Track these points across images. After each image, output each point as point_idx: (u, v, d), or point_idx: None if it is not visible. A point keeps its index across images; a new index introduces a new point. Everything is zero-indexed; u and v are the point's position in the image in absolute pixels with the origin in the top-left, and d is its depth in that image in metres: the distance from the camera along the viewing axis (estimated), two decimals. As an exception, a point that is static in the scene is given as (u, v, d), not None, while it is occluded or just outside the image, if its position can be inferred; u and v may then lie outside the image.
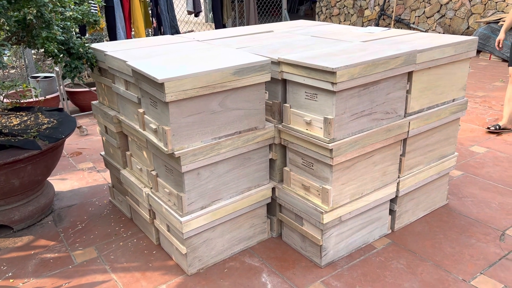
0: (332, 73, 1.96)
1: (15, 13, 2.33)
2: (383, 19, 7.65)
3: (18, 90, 4.13)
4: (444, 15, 6.72)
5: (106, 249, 2.57)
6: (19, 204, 2.74)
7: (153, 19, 5.47)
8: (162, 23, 5.44)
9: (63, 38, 2.45)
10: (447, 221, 2.75)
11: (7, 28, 2.37)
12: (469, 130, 4.23)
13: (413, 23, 7.19)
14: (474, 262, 2.37)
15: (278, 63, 2.23)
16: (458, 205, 2.93)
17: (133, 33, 5.36)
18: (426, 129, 2.52)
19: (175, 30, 5.65)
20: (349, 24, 8.25)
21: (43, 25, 2.31)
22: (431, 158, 2.68)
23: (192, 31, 7.39)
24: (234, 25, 7.39)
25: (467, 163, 3.53)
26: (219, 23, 6.26)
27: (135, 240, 2.65)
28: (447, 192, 2.93)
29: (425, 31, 5.47)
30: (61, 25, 2.46)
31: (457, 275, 2.27)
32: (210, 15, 8.54)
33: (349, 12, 8.25)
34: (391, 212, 2.62)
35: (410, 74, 2.34)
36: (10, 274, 2.37)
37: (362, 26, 5.63)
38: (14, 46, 2.47)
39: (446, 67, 2.51)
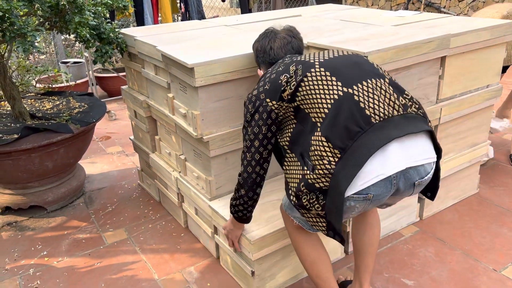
0: (363, 57, 1.92)
1: (48, -2, 2.38)
2: (412, 3, 7.45)
3: (50, 75, 4.23)
4: (477, -1, 6.48)
5: (136, 231, 2.64)
6: (52, 186, 2.83)
7: (181, 4, 5.48)
8: (189, 8, 5.45)
9: (95, 23, 2.48)
10: (477, 210, 2.70)
11: (41, 13, 2.42)
12: (502, 117, 4.10)
13: (444, 7, 6.97)
14: (505, 252, 2.32)
15: (307, 47, 2.21)
16: (489, 194, 2.87)
17: (160, 18, 5.38)
18: (458, 116, 2.46)
19: (200, 16, 5.64)
20: (377, 8, 8.06)
21: (76, 11, 2.35)
22: (462, 146, 2.62)
23: (217, 16, 7.37)
24: (259, 9, 7.32)
25: (499, 151, 3.44)
26: (245, 8, 6.21)
27: (163, 223, 2.70)
28: (478, 180, 2.87)
29: (457, 15, 5.30)
30: (93, 11, 2.49)
31: (487, 265, 2.23)
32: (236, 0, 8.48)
33: (377, -4, 8.06)
34: (420, 200, 2.58)
35: (443, 59, 2.27)
36: (45, 253, 2.47)
37: (391, 10, 5.51)
38: (45, 32, 2.51)
39: (481, 52, 2.43)
